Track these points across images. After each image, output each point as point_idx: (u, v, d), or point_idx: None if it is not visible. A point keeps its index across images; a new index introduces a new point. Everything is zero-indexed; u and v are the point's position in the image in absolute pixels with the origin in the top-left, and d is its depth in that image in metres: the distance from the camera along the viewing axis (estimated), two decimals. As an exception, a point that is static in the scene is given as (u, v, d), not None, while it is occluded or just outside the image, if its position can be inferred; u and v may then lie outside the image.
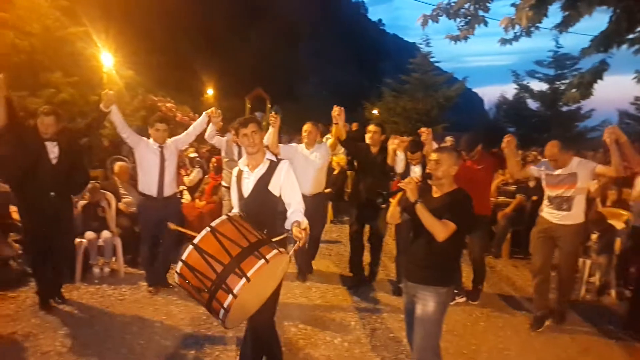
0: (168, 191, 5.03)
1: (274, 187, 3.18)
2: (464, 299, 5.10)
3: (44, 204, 4.50)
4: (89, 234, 5.47)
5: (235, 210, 3.28)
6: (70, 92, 8.43)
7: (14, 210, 5.46)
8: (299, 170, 5.46)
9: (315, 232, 5.78)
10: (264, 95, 25.14)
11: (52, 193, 4.49)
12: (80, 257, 5.32)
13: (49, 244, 4.64)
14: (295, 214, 3.10)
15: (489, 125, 31.19)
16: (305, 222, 3.06)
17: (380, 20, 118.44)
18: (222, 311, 2.60)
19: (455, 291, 4.90)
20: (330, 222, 8.69)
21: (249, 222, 2.91)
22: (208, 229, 2.76)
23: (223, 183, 6.36)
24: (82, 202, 5.61)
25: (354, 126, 9.52)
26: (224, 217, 2.87)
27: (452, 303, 4.45)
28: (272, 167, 3.21)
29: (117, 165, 6.54)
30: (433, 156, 3.09)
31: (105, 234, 5.57)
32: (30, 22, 8.49)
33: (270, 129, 5.27)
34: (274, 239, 2.84)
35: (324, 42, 64.10)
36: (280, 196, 3.19)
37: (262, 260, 2.62)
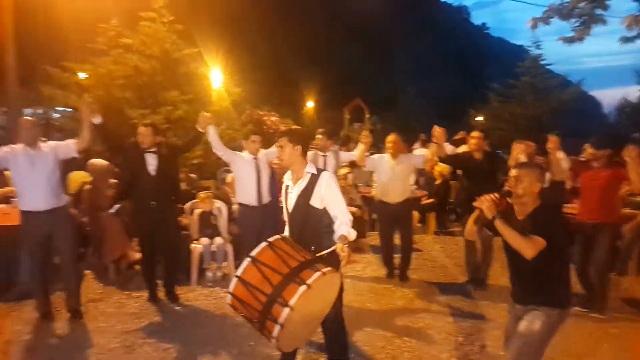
0: (265, 199, 5.24)
1: (316, 201, 3.07)
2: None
3: (146, 213, 4.88)
4: (204, 240, 5.85)
5: (286, 227, 3.25)
6: (185, 109, 9.14)
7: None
8: (384, 181, 5.57)
9: (406, 242, 5.84)
10: (363, 106, 25.27)
11: (153, 202, 4.83)
12: (196, 261, 5.71)
13: (156, 249, 5.07)
14: (342, 227, 2.99)
15: (614, 130, 28.56)
16: (352, 235, 2.98)
17: (484, 23, 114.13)
18: (273, 340, 2.60)
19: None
20: (434, 234, 8.46)
21: (292, 243, 2.87)
22: (249, 259, 2.76)
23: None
24: (197, 211, 6.03)
25: (460, 134, 9.22)
26: (264, 244, 2.82)
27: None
28: (313, 179, 3.11)
29: (230, 176, 6.94)
30: (513, 172, 2.87)
31: (218, 240, 5.92)
32: (151, 46, 9.38)
33: (360, 145, 5.41)
34: (319, 255, 2.82)
35: (424, 49, 63.09)
36: (324, 209, 3.08)
37: (303, 287, 2.56)
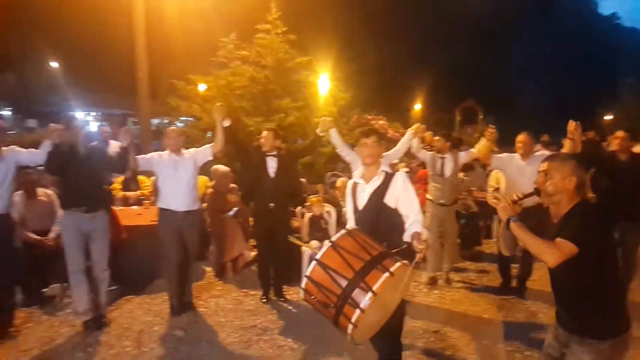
0: None
1: (390, 199, 3.12)
2: None
3: (264, 214, 5.11)
4: (314, 243, 5.96)
5: (351, 224, 3.23)
6: (296, 116, 9.46)
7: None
8: (512, 181, 5.20)
9: (527, 250, 5.43)
10: (475, 107, 24.19)
11: (272, 204, 5.04)
12: (306, 262, 5.84)
13: (272, 249, 5.27)
14: (414, 225, 3.02)
15: None
16: (425, 234, 2.92)
17: (614, 13, 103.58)
18: (350, 326, 2.54)
19: None
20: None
21: (368, 236, 2.82)
22: (329, 243, 2.74)
23: (427, 196, 6.28)
24: (308, 214, 6.18)
25: (590, 134, 8.46)
26: (343, 231, 2.82)
27: None
28: (388, 179, 3.17)
29: (340, 181, 7.03)
30: (542, 166, 2.49)
31: (327, 243, 6.00)
32: (265, 56, 9.87)
33: (483, 141, 5.19)
34: (394, 250, 2.76)
35: (545, 43, 58.83)
36: (396, 208, 3.10)
37: (387, 274, 2.54)
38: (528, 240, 2.34)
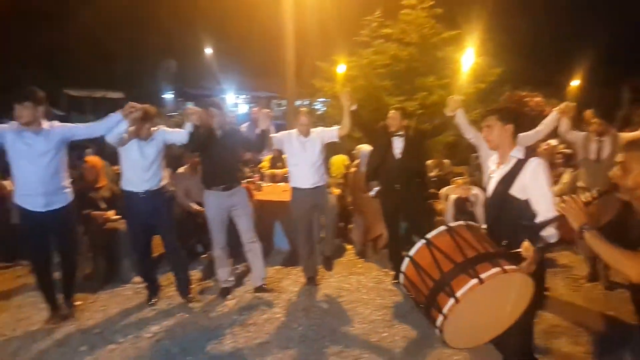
0: None
1: (517, 190, 2.69)
2: None
3: (390, 195, 5.05)
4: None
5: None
6: (440, 94, 9.09)
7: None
8: None
9: None
10: (649, 83, 21.03)
11: (397, 185, 4.94)
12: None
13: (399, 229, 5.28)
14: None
15: None
16: (553, 237, 2.54)
17: None
18: (436, 330, 2.41)
19: None
20: None
21: (477, 232, 2.58)
22: (424, 241, 2.58)
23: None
24: (452, 197, 5.92)
25: None
26: (442, 228, 2.61)
27: None
28: (518, 165, 2.72)
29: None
30: (619, 157, 2.22)
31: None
32: (409, 33, 9.61)
33: None
34: (511, 252, 2.49)
35: None
36: (527, 201, 2.67)
37: (474, 280, 2.29)
38: (605, 252, 2.06)
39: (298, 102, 14.59)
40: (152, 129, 4.45)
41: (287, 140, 4.92)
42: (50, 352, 3.80)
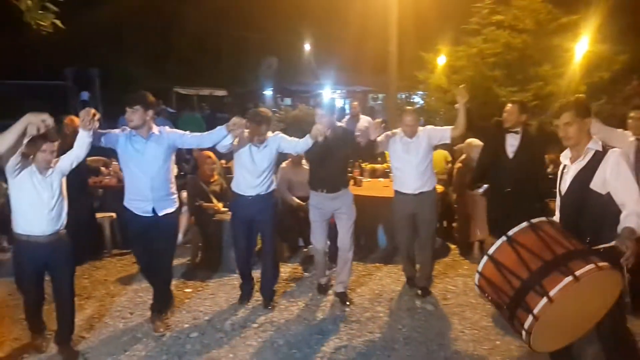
0: None
1: (597, 184, 2.60)
2: None
3: (498, 199, 4.52)
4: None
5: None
6: (557, 84, 8.36)
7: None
8: None
9: None
10: None
11: (508, 189, 4.39)
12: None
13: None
14: (630, 218, 2.46)
15: None
16: None
17: None
18: (523, 332, 2.30)
19: None
20: None
21: (559, 229, 2.49)
22: (504, 238, 2.47)
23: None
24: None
25: None
26: (524, 224, 2.49)
27: None
28: (597, 158, 2.62)
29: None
30: None
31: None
32: (523, 19, 8.95)
33: None
34: (596, 248, 2.42)
35: None
36: (608, 195, 2.57)
37: (569, 278, 2.18)
38: None
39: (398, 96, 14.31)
40: (269, 133, 4.40)
41: (392, 141, 4.65)
42: (164, 335, 3.97)
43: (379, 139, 4.46)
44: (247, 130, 4.17)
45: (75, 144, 3.46)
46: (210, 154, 5.57)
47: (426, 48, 9.89)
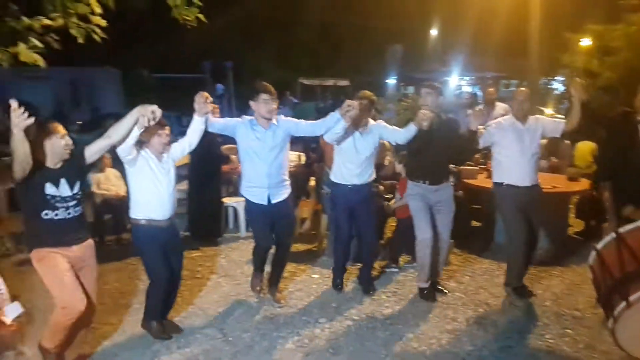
0: None
1: None
2: None
3: (633, 197, 3.81)
4: None
5: None
6: None
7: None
8: None
9: None
10: None
11: None
12: None
13: None
14: None
15: None
16: None
17: None
18: (608, 331, 2.45)
19: None
20: None
21: None
22: (614, 235, 2.55)
23: None
24: None
25: None
26: (638, 223, 2.57)
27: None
28: None
29: None
30: None
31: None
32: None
33: None
34: None
35: None
36: None
37: None
38: None
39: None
40: (371, 121, 4.32)
41: (499, 129, 4.26)
42: (292, 319, 4.07)
43: (487, 131, 4.25)
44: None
45: (189, 130, 3.63)
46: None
47: (571, 27, 8.88)
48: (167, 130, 3.48)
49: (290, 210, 4.32)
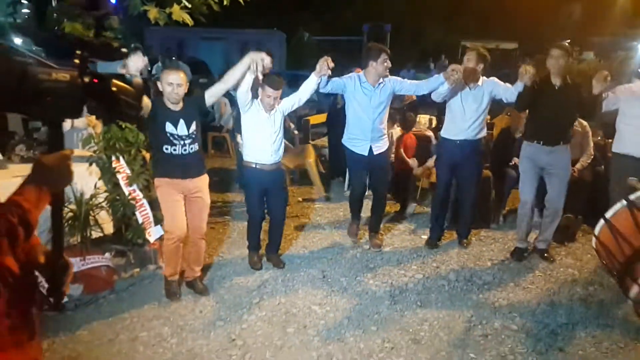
0: None
1: None
2: None
3: None
4: None
5: None
6: None
7: None
8: None
9: None
10: None
11: None
12: None
13: None
14: None
15: None
16: None
17: None
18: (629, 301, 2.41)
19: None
20: None
21: None
22: (624, 202, 2.51)
23: None
24: None
25: None
26: None
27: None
28: None
29: None
30: None
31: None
32: None
33: None
34: None
35: None
36: None
37: None
38: None
39: None
40: (483, 78, 4.25)
41: (625, 96, 4.02)
42: (389, 270, 4.26)
43: (612, 96, 4.02)
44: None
45: (302, 87, 3.94)
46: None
47: None
48: (277, 93, 3.77)
49: (386, 162, 4.63)
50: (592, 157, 5.18)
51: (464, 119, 4.27)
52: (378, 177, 4.54)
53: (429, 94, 4.26)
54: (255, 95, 3.79)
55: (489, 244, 4.86)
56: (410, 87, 4.31)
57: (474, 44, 20.07)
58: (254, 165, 3.94)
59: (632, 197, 2.52)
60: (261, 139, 3.88)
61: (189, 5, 4.32)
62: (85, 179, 3.85)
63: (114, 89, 1.31)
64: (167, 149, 3.37)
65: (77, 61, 1.26)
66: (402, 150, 5.70)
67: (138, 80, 1.42)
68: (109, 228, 4.02)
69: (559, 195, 4.17)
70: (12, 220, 1.18)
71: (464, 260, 4.48)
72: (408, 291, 3.90)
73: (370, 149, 4.29)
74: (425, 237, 4.90)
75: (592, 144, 5.18)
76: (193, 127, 3.43)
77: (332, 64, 3.77)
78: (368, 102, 4.18)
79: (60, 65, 1.26)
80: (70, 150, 1.34)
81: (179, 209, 3.46)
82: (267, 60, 3.34)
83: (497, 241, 4.88)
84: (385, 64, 4.11)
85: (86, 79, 1.26)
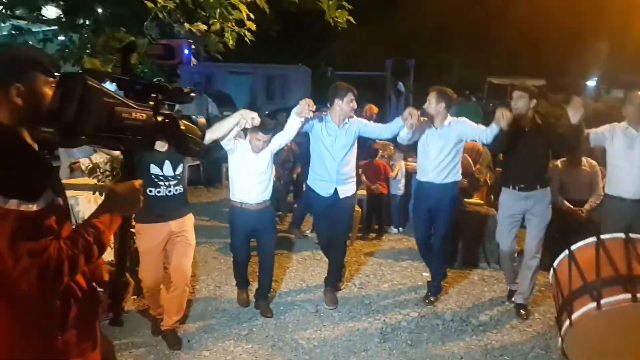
0: None
1: None
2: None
3: None
4: None
5: None
6: None
7: None
8: None
9: None
10: None
11: None
12: None
13: None
14: None
15: None
16: None
17: None
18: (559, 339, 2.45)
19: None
20: None
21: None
22: (594, 239, 2.55)
23: None
24: None
25: None
26: (621, 235, 2.55)
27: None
28: None
29: None
30: None
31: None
32: None
33: None
34: None
35: None
36: None
37: (592, 305, 2.23)
38: None
39: None
40: (451, 118, 4.14)
41: (609, 135, 3.86)
42: (385, 307, 4.23)
43: (596, 131, 3.86)
44: (423, 118, 4.01)
45: (287, 127, 3.88)
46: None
47: None
48: (267, 137, 3.76)
49: (351, 207, 4.40)
50: (602, 197, 5.07)
51: (429, 159, 4.17)
52: (340, 221, 4.20)
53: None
54: (243, 136, 3.80)
55: (492, 284, 4.77)
56: (374, 129, 4.21)
57: (501, 79, 19.96)
58: (238, 205, 3.87)
59: (603, 235, 2.55)
60: (247, 179, 3.82)
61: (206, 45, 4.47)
62: (91, 208, 3.96)
63: (182, 127, 1.46)
64: (150, 191, 3.28)
65: (152, 103, 1.44)
66: (363, 177, 6.05)
67: (202, 120, 1.57)
68: (109, 255, 4.13)
69: (534, 239, 3.97)
70: (89, 239, 1.36)
71: (462, 300, 4.41)
72: (400, 329, 3.85)
73: (336, 191, 4.09)
74: (426, 274, 4.83)
75: (601, 184, 5.06)
76: (180, 169, 3.40)
77: (313, 107, 3.71)
78: (333, 142, 4.03)
79: (139, 105, 1.41)
80: (140, 181, 1.52)
81: (154, 262, 3.42)
82: (257, 120, 3.38)
83: (500, 281, 4.76)
84: (352, 104, 4.01)
85: (159, 119, 1.42)
